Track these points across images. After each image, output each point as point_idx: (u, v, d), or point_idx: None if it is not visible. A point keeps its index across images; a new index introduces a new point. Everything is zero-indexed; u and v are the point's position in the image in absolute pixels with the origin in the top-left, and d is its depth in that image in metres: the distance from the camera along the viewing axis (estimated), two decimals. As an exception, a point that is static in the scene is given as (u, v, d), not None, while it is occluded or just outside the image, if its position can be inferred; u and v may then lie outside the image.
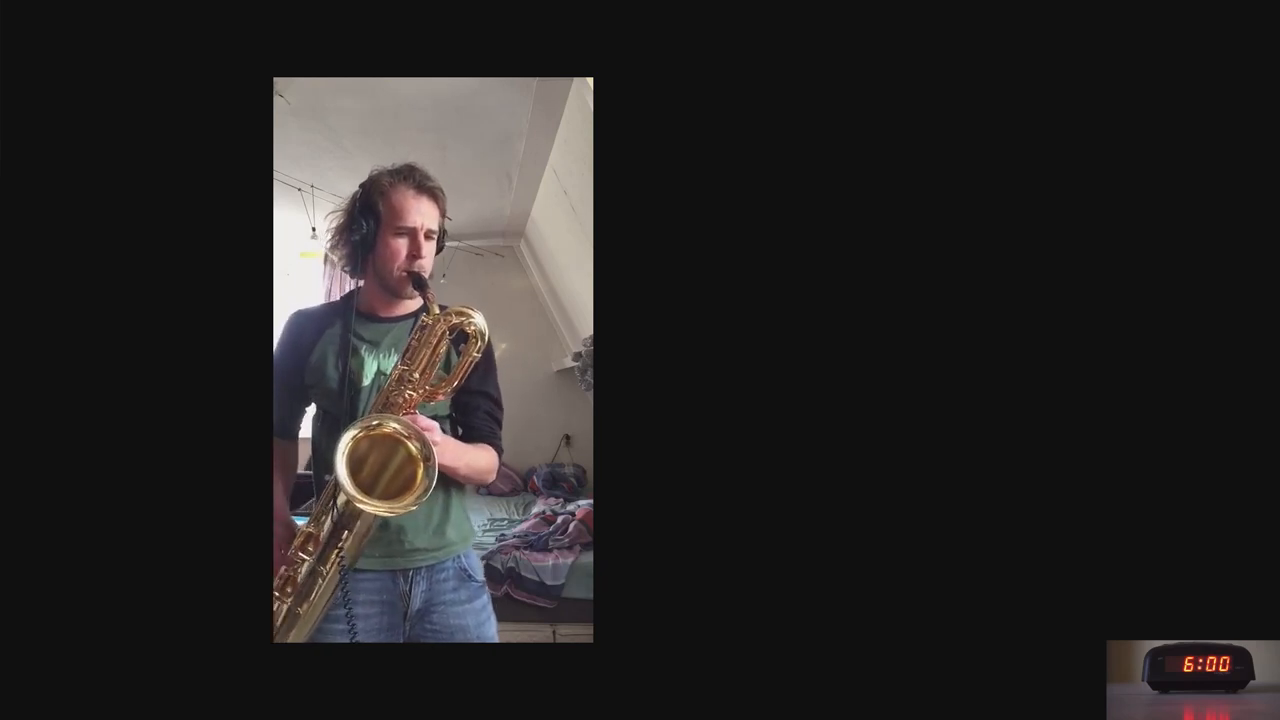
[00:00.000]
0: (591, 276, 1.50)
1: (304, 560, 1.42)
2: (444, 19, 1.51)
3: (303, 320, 1.60)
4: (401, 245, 1.53)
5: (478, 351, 1.46)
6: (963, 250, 1.47)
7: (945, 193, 1.46)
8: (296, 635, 1.43)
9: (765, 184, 1.45)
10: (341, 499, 1.38)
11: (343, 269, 1.64)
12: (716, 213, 1.45)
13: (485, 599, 1.58)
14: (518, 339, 1.69)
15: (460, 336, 1.47)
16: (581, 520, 1.71)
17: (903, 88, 1.46)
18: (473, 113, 1.93)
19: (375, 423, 1.40)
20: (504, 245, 2.09)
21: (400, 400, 1.44)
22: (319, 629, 1.45)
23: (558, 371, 1.79)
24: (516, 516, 1.76)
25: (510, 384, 1.62)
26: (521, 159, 2.13)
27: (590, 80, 1.51)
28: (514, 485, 1.70)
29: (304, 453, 1.64)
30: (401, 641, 1.49)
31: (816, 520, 1.46)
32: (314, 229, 1.84)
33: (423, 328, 1.46)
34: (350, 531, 1.41)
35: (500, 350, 1.61)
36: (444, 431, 1.48)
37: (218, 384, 1.45)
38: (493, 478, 1.58)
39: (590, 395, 1.55)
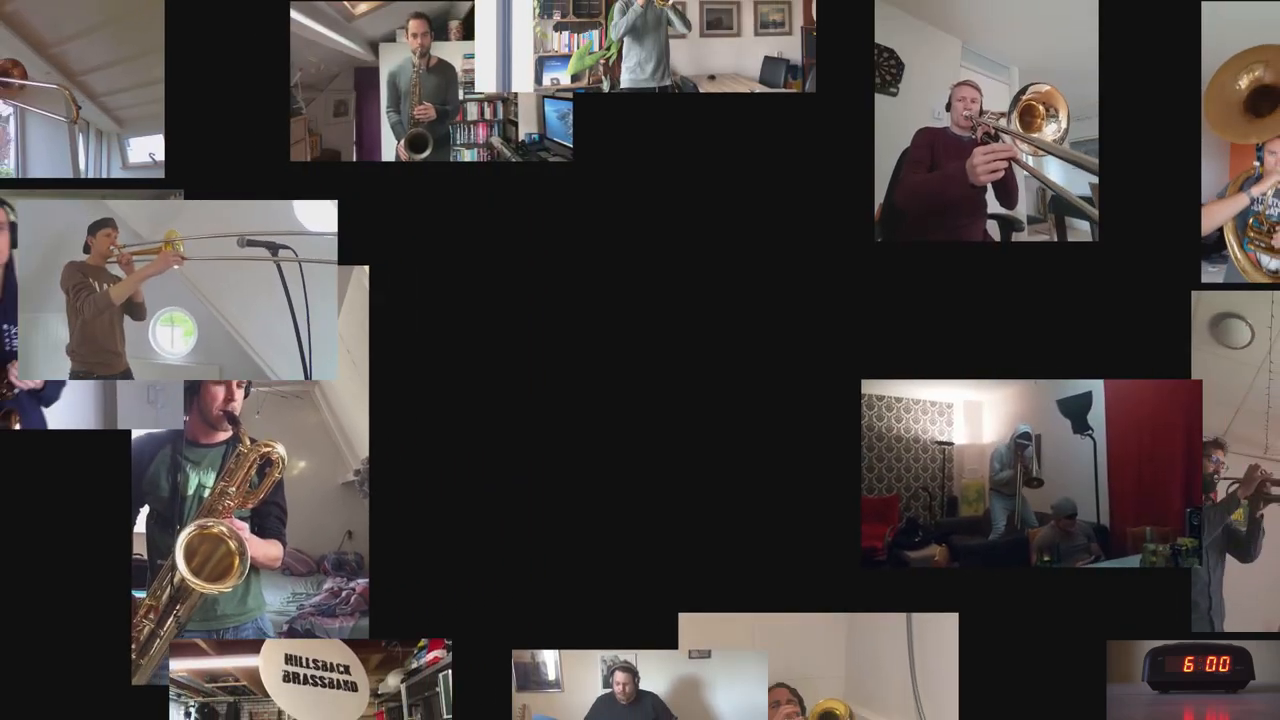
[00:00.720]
0: (368, 413, 2.09)
1: (147, 625, 1.94)
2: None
3: (142, 443, 2.08)
4: (220, 392, 2.06)
5: (280, 473, 2.03)
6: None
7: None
8: (138, 680, 1.95)
9: (490, 341, 2.03)
10: (177, 578, 1.90)
11: (175, 407, 2.16)
12: (456, 361, 2.04)
13: (275, 648, 2.09)
14: (313, 459, 2.09)
15: (267, 461, 2.03)
16: (360, 594, 2.15)
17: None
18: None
19: (209, 524, 1.94)
20: (303, 389, 2.43)
21: (221, 508, 1.98)
22: (154, 675, 1.97)
23: (342, 483, 2.15)
24: (312, 591, 2.14)
25: (307, 492, 2.12)
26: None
27: (366, 268, 2.03)
28: (309, 568, 2.04)
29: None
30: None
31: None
32: (159, 381, 2.21)
33: (240, 455, 2.01)
34: (183, 603, 1.93)
35: (300, 468, 2.15)
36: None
37: (81, 498, 2.01)
38: (279, 564, 2.10)
39: (367, 501, 2.10)
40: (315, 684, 2.00)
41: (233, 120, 2.02)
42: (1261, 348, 1.99)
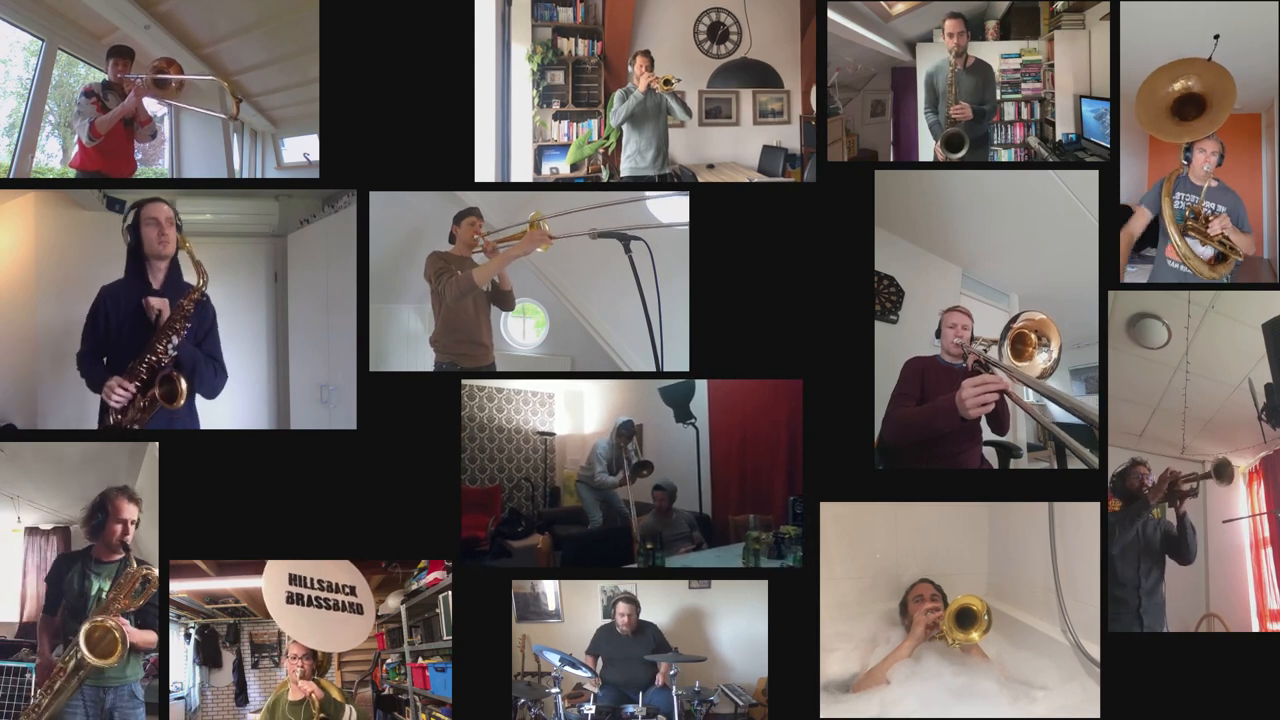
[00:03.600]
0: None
1: (58, 680, 2.95)
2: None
3: (64, 559, 3.09)
4: (119, 528, 3.06)
5: (153, 590, 3.03)
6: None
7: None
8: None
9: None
10: (80, 655, 2.92)
11: (87, 536, 3.13)
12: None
13: (143, 708, 3.06)
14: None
15: (146, 580, 3.04)
16: (190, 661, 3.11)
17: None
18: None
19: (101, 619, 2.94)
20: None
21: (115, 608, 2.98)
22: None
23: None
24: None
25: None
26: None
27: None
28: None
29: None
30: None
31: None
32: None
33: (129, 574, 3.01)
34: (85, 668, 2.95)
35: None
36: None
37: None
38: (154, 645, 3.07)
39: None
40: (320, 605, 1.89)
41: (386, 120, 1.98)
42: (1178, 348, 1.84)
